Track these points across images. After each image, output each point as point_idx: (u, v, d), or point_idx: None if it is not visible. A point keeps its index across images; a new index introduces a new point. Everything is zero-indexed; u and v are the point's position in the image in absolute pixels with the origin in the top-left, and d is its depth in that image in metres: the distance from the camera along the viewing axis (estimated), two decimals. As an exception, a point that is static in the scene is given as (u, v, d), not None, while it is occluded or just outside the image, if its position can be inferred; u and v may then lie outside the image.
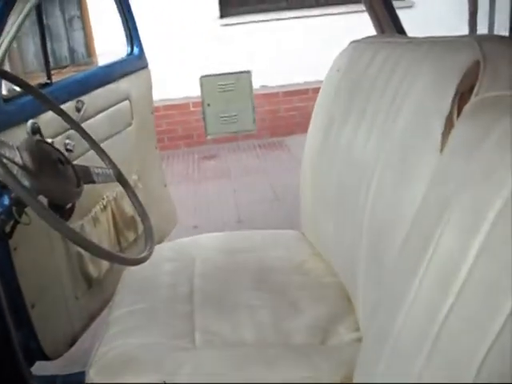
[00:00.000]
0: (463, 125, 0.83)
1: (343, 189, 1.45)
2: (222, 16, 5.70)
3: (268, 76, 5.44)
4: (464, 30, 4.80)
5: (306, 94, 5.37)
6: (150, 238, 1.27)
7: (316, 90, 1.87)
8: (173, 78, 5.09)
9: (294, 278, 1.58)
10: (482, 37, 1.10)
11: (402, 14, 1.87)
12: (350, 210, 1.36)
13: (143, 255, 1.20)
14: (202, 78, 5.09)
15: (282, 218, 3.39)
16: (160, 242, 1.95)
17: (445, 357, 0.69)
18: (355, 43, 1.67)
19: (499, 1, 5.38)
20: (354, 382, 1.00)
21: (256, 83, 5.23)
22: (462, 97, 0.98)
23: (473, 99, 0.92)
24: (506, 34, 3.96)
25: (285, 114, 5.56)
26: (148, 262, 1.21)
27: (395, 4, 1.85)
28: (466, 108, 0.86)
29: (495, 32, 5.35)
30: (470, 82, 0.97)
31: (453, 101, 0.98)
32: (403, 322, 0.81)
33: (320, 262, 1.65)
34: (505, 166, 0.67)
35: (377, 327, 0.95)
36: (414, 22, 2.27)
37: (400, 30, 1.83)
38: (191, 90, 5.19)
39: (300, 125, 4.70)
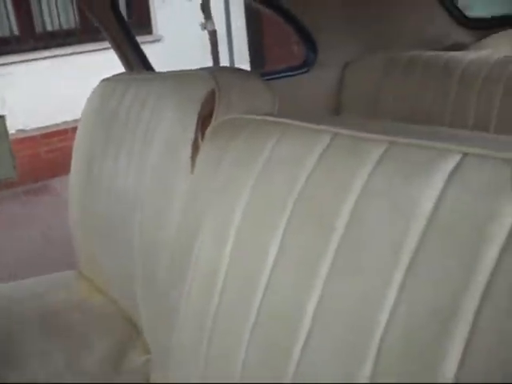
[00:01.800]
0: (206, 147, 0.95)
1: (112, 221, 1.49)
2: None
3: (24, 119, 5.24)
4: (210, 62, 5.14)
5: (66, 134, 5.27)
6: None
7: (75, 130, 1.88)
8: None
9: (79, 317, 1.57)
10: (217, 69, 1.24)
11: (152, 48, 1.99)
12: (122, 239, 1.41)
13: None
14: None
15: (58, 260, 3.29)
16: None
17: (216, 360, 0.79)
18: (106, 81, 1.73)
19: (237, 37, 5.86)
20: None
21: (12, 128, 5.00)
22: (203, 123, 1.10)
23: (212, 124, 1.04)
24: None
25: (46, 157, 5.37)
26: None
27: (144, 38, 1.96)
28: (208, 132, 0.98)
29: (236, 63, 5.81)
30: (209, 109, 1.10)
31: (196, 127, 1.10)
32: (179, 333, 0.88)
33: (100, 295, 1.67)
34: (241, 180, 0.79)
35: (160, 344, 1.02)
36: (163, 56, 2.41)
37: (148, 66, 1.93)
38: None
39: (64, 166, 4.58)
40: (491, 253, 0.50)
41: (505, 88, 1.68)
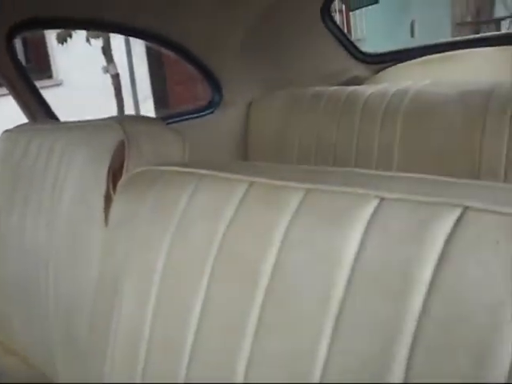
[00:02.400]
0: (119, 200, 0.93)
1: (24, 281, 1.42)
2: None
3: None
4: (113, 104, 5.07)
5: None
6: None
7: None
8: None
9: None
10: (125, 118, 1.22)
11: (53, 92, 1.93)
12: (35, 301, 1.35)
13: None
14: None
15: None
16: None
17: None
18: (8, 133, 1.66)
19: (141, 79, 5.83)
20: None
21: None
22: (115, 174, 1.08)
23: (124, 176, 1.02)
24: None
25: None
26: None
27: (43, 83, 1.90)
28: (119, 185, 0.96)
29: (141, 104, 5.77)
30: (120, 160, 1.08)
31: (107, 179, 1.08)
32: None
33: (14, 357, 1.58)
34: (157, 236, 0.77)
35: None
36: (64, 100, 2.35)
37: (51, 115, 1.88)
38: None
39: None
40: (417, 297, 0.51)
41: (403, 119, 1.76)
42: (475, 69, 2.12)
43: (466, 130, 1.62)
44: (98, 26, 1.94)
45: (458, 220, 0.50)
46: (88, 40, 5.14)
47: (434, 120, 1.71)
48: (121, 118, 1.21)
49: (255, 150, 2.19)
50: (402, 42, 10.36)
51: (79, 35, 4.94)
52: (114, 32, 2.14)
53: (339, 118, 1.92)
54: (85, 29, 2.88)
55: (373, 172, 0.68)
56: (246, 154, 2.21)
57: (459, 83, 1.79)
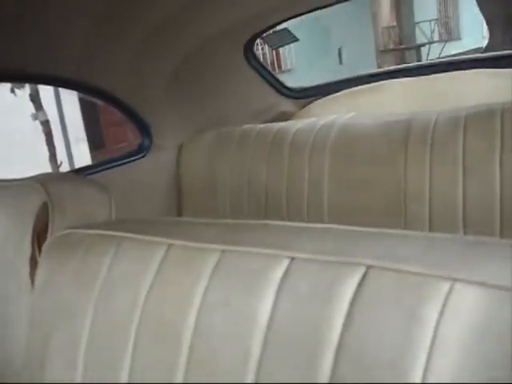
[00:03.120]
0: (43, 263, 0.91)
1: None
2: None
3: None
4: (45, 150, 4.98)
5: None
6: None
7: None
8: None
9: None
10: (46, 178, 1.20)
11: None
12: None
13: None
14: None
15: None
16: None
17: None
18: None
19: (73, 122, 5.77)
20: None
21: None
22: (39, 236, 1.05)
23: (48, 238, 1.00)
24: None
25: None
26: None
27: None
28: (44, 247, 0.94)
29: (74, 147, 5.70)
30: (44, 222, 1.06)
31: (32, 242, 1.05)
32: None
33: None
34: (82, 301, 0.76)
35: None
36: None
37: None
38: None
39: None
40: (327, 359, 0.52)
41: (331, 152, 1.80)
42: (397, 99, 2.20)
43: (390, 159, 1.67)
44: (19, 78, 1.92)
45: (362, 279, 0.52)
46: (13, 90, 5.06)
47: (360, 151, 1.76)
48: (43, 178, 1.19)
49: (188, 192, 2.19)
50: (331, 69, 10.68)
51: (3, 86, 4.88)
52: (37, 83, 2.11)
53: (268, 156, 1.95)
54: (5, 81, 2.83)
55: (286, 225, 0.69)
56: (180, 197, 2.21)
57: (381, 115, 1.86)
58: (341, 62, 11.98)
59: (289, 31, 2.35)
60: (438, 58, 13.18)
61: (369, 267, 0.52)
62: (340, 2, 2.01)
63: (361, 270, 0.52)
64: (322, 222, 1.79)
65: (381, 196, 1.68)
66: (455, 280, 0.48)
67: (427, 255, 0.54)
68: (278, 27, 2.31)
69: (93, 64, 1.80)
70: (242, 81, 2.27)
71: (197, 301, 0.63)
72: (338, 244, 0.60)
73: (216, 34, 1.94)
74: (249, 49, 2.19)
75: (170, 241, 0.70)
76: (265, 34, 2.29)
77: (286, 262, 0.58)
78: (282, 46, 2.42)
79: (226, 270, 0.63)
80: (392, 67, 2.67)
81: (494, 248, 0.54)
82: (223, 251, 0.64)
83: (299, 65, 10.64)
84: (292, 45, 10.54)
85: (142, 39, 1.71)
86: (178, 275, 0.68)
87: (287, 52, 10.61)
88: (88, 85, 1.93)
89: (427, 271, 0.49)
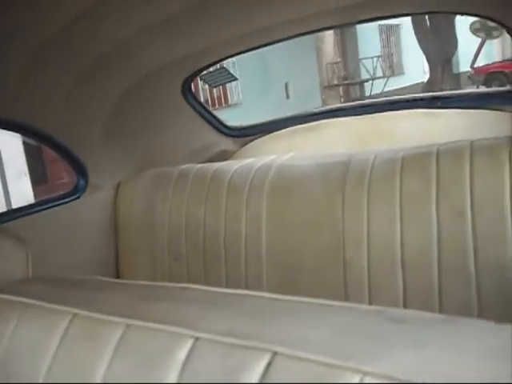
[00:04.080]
0: None
1: None
2: None
3: None
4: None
5: None
6: None
7: None
8: None
9: None
10: None
11: None
12: None
13: None
14: None
15: None
16: None
17: None
18: None
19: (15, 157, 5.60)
20: None
21: None
22: None
23: None
24: None
25: None
26: None
27: None
28: None
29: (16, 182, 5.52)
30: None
31: None
32: None
33: None
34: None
35: None
36: None
37: None
38: None
39: None
40: None
41: (268, 193, 1.78)
42: (337, 138, 2.20)
43: (327, 201, 1.66)
44: None
45: (266, 368, 0.48)
46: None
47: (297, 192, 1.74)
48: None
49: (125, 233, 2.12)
50: (278, 104, 10.78)
51: None
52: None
53: (206, 196, 1.91)
54: None
55: (205, 291, 0.65)
56: (117, 239, 2.13)
57: (320, 155, 1.84)
58: (288, 97, 12.13)
59: (227, 70, 2.34)
60: (381, 92, 13.54)
61: (275, 354, 0.48)
62: (277, 42, 2.01)
63: (266, 357, 0.48)
64: (259, 264, 1.76)
65: (319, 239, 1.65)
66: (364, 374, 0.44)
67: (340, 341, 0.50)
68: (218, 65, 2.29)
69: (25, 102, 1.73)
70: (180, 119, 2.23)
71: (98, 376, 0.58)
72: (247, 323, 0.56)
73: (154, 71, 1.90)
74: (187, 87, 2.16)
75: (75, 310, 0.65)
76: (204, 72, 2.26)
77: (189, 342, 0.54)
78: (220, 85, 2.40)
79: (130, 347, 0.58)
80: (330, 106, 2.68)
81: (415, 331, 0.51)
82: (128, 326, 0.59)
83: (246, 99, 10.71)
84: (239, 79, 10.63)
85: (78, 76, 1.66)
86: (81, 347, 0.62)
87: (234, 86, 10.67)
88: (25, 126, 1.85)
89: (336, 362, 0.45)
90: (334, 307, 0.56)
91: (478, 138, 1.63)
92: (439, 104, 2.07)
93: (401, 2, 1.65)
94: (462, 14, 1.86)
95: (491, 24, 1.86)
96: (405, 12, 1.97)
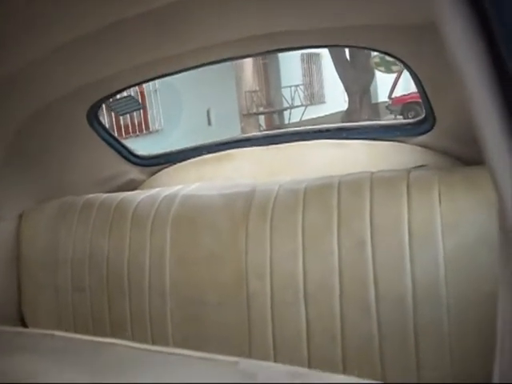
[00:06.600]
0: None
1: None
2: None
3: None
4: None
5: None
6: None
7: None
8: None
9: None
10: None
11: None
12: None
13: None
14: None
15: None
16: None
17: None
18: None
19: None
20: None
21: None
22: None
23: None
24: None
25: None
26: None
27: None
28: None
29: None
30: None
31: None
32: None
33: None
34: None
35: None
36: None
37: None
38: None
39: None
40: None
41: (173, 223, 1.74)
42: (245, 168, 2.20)
43: (231, 233, 1.64)
44: None
45: None
46: None
47: (201, 224, 1.71)
48: None
49: (28, 266, 2.02)
50: (200, 130, 10.75)
51: None
52: None
53: (110, 227, 1.86)
54: None
55: (64, 343, 0.61)
56: (19, 271, 2.03)
57: (226, 185, 1.83)
58: (209, 123, 12.15)
59: (133, 98, 2.30)
60: (299, 121, 13.79)
61: None
62: (186, 70, 1.99)
63: None
64: (163, 298, 1.72)
65: (222, 271, 1.63)
66: None
67: None
68: (125, 93, 2.25)
69: None
70: (86, 147, 2.17)
71: None
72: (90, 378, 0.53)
73: (59, 97, 1.84)
74: (93, 115, 2.10)
75: None
76: (110, 100, 2.21)
77: None
78: (127, 113, 2.35)
79: None
80: (239, 136, 2.68)
81: None
82: None
83: (168, 125, 10.64)
84: (160, 105, 10.57)
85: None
86: None
87: (155, 112, 10.58)
88: None
89: None
90: (190, 357, 0.54)
91: (383, 168, 1.66)
92: (344, 135, 2.11)
93: (310, 34, 1.67)
94: (364, 48, 1.91)
95: (389, 59, 1.92)
96: (314, 44, 1.99)
